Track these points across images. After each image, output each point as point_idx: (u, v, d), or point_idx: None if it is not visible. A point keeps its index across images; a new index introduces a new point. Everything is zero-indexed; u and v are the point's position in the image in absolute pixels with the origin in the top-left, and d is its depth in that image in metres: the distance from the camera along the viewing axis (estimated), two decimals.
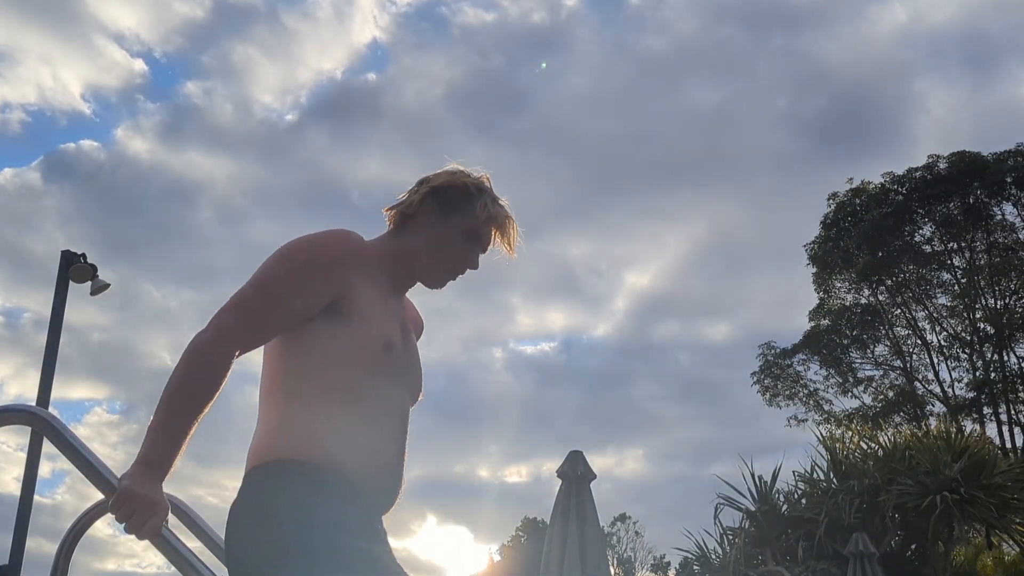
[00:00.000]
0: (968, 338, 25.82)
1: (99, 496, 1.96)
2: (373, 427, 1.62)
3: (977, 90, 36.66)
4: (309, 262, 1.61)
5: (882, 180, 26.31)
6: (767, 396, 27.07)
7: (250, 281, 1.60)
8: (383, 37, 38.49)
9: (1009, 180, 24.74)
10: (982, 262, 25.68)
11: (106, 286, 9.88)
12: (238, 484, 1.65)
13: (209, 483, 34.08)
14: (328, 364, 1.60)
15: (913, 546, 12.59)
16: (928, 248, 26.05)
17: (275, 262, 1.61)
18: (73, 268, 9.54)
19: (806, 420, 26.68)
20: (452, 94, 36.43)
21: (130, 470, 1.51)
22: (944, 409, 24.85)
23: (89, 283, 9.82)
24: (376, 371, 1.63)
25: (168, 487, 1.56)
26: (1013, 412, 24.60)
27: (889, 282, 26.25)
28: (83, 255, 9.64)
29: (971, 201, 25.10)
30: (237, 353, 1.58)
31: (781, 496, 13.17)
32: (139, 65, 35.97)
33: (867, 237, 25.33)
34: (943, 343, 26.33)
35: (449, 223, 1.75)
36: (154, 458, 1.50)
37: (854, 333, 26.80)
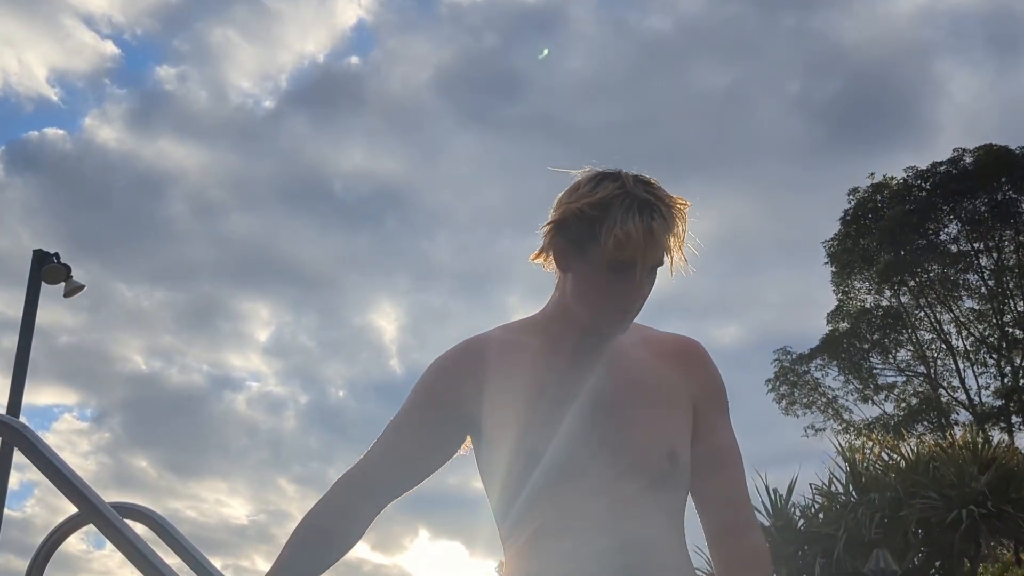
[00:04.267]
0: (996, 343, 25.83)
1: (72, 509, 1.97)
2: (550, 543, 1.47)
3: (1002, 74, 36.76)
4: (418, 389, 1.58)
5: (905, 175, 26.37)
6: (783, 404, 27.10)
7: None
8: (368, 18, 38.53)
9: None
10: (1011, 262, 25.69)
11: (80, 287, 9.90)
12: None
13: (187, 495, 34.14)
14: (490, 491, 1.56)
15: (937, 563, 12.59)
16: (954, 247, 26.08)
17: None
18: (46, 268, 9.56)
19: (824, 429, 26.72)
20: (440, 78, 36.39)
21: None
22: (970, 418, 24.86)
23: (62, 284, 9.83)
24: (532, 485, 1.49)
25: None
26: None
27: (912, 283, 26.27)
28: (56, 254, 9.66)
29: (999, 198, 25.12)
30: (362, 488, 1.55)
31: (797, 510, 13.18)
32: (110, 48, 36.02)
33: (889, 235, 25.35)
34: (969, 348, 26.35)
35: (587, 259, 1.46)
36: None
37: (875, 337, 26.82)
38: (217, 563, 2.20)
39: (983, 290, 26.10)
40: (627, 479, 1.47)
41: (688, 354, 1.60)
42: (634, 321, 1.54)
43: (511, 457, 1.49)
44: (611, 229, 1.41)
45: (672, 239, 1.45)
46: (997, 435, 22.54)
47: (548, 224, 1.50)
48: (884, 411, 26.73)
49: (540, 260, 1.53)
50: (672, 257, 1.47)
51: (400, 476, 1.56)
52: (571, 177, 1.50)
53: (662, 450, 1.49)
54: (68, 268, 9.78)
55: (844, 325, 27.22)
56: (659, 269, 1.49)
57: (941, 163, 25.80)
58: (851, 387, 27.02)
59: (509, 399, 1.51)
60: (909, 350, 27.04)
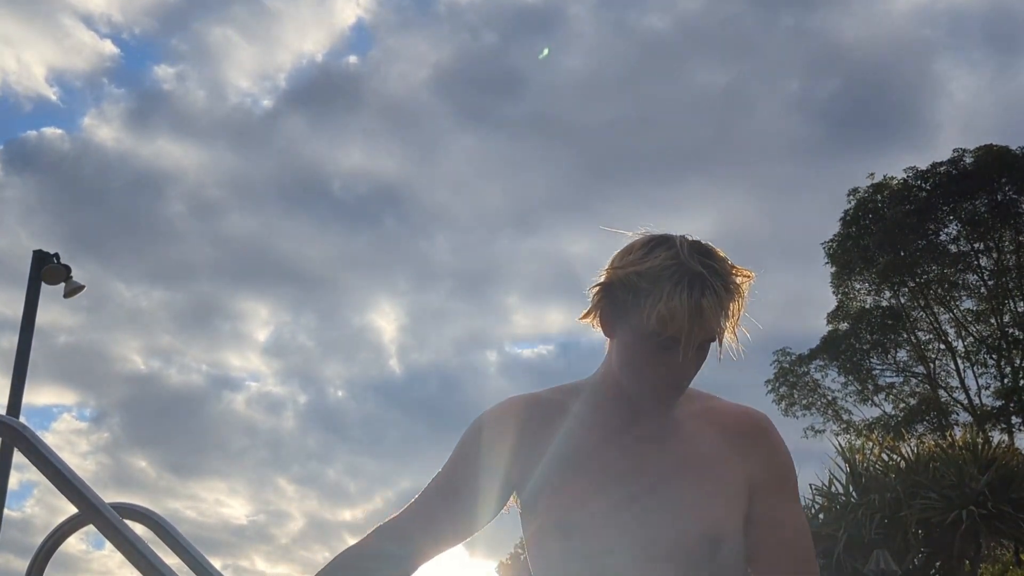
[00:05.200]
0: (995, 343, 25.84)
1: (72, 509, 1.96)
2: None
3: (1002, 73, 36.81)
4: (461, 443, 1.53)
5: (905, 175, 26.38)
6: (782, 405, 27.11)
7: None
8: (366, 17, 38.58)
9: None
10: (1010, 263, 25.70)
11: (80, 288, 9.90)
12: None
13: (186, 495, 34.18)
14: (527, 552, 1.50)
15: (937, 564, 12.59)
16: (953, 248, 26.09)
17: None
18: (46, 268, 9.56)
19: (824, 430, 26.73)
20: (439, 77, 36.47)
21: None
22: (970, 418, 24.87)
23: (62, 284, 9.83)
24: (567, 559, 1.42)
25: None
26: None
27: (912, 284, 26.28)
28: (56, 255, 9.66)
29: (999, 198, 25.13)
30: (402, 534, 1.51)
31: None
32: (108, 47, 36.06)
33: (889, 236, 25.36)
34: (969, 348, 26.36)
35: (632, 329, 1.37)
36: None
37: (874, 337, 26.83)
38: (217, 563, 2.20)
39: (983, 290, 26.11)
40: (662, 562, 1.37)
41: (750, 430, 1.48)
42: (698, 390, 1.48)
43: (545, 527, 1.44)
44: (655, 303, 1.32)
45: (724, 318, 1.35)
46: (997, 435, 22.57)
47: (596, 286, 1.43)
48: (884, 411, 26.76)
49: (588, 320, 1.45)
50: (723, 335, 1.36)
51: (441, 528, 1.51)
52: (626, 238, 1.43)
53: (702, 534, 1.38)
54: (68, 268, 9.79)
55: (844, 326, 27.23)
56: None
57: (941, 163, 25.82)
58: (851, 388, 27.04)
59: (549, 465, 1.45)
60: (908, 350, 27.06)
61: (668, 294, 1.31)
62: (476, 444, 1.51)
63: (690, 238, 1.38)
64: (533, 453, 1.46)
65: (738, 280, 1.37)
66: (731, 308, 1.36)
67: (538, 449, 1.46)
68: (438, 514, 1.51)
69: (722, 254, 1.38)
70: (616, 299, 1.39)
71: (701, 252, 1.36)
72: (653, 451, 1.43)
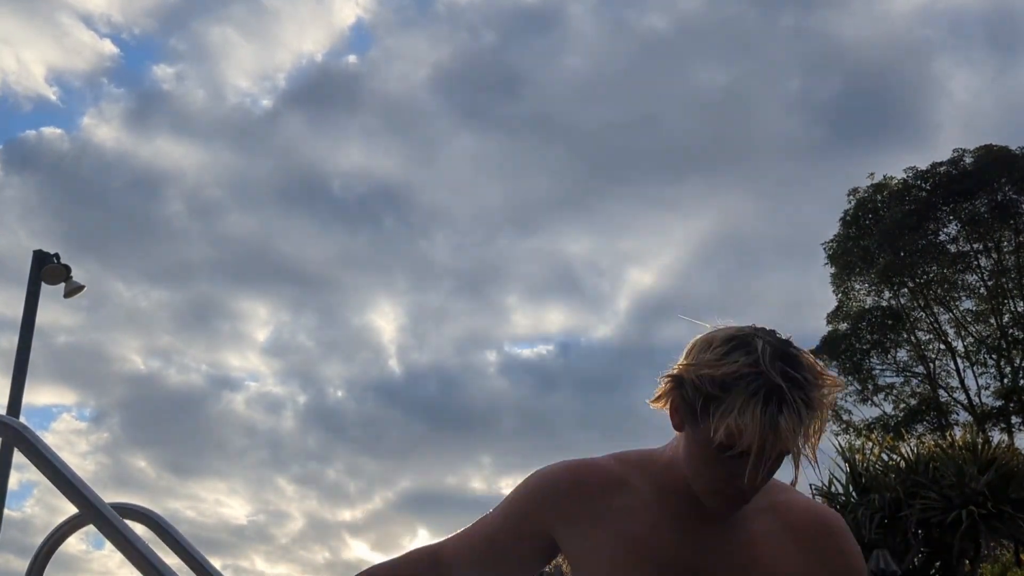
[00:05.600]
0: (995, 343, 25.85)
1: (72, 509, 1.96)
2: None
3: (1002, 73, 36.80)
4: (513, 498, 1.50)
5: (905, 176, 26.39)
6: None
7: None
8: (366, 17, 38.62)
9: None
10: (1010, 263, 25.71)
11: (80, 288, 9.90)
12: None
13: (186, 495, 34.12)
14: None
15: (937, 564, 12.60)
16: (953, 248, 26.09)
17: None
18: (46, 269, 9.57)
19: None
20: (438, 77, 36.46)
21: None
22: (970, 418, 24.87)
23: (62, 284, 9.83)
24: None
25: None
26: None
27: (911, 284, 26.29)
28: (56, 255, 9.66)
29: (999, 198, 25.13)
30: (436, 564, 1.52)
31: None
32: (108, 47, 36.07)
33: (888, 236, 25.37)
34: (969, 348, 26.37)
35: (699, 431, 1.26)
36: None
37: (874, 337, 26.84)
38: (216, 563, 2.20)
39: (982, 290, 26.12)
40: None
41: (820, 535, 1.37)
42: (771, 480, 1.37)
43: None
44: (725, 416, 1.20)
45: (802, 437, 1.22)
46: (997, 435, 22.58)
47: (667, 376, 1.32)
48: (883, 411, 26.78)
49: (658, 406, 1.35)
50: (799, 453, 1.23)
51: (477, 569, 1.51)
52: (704, 329, 1.32)
53: None
54: (68, 268, 9.79)
55: (844, 326, 27.24)
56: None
57: (941, 163, 25.83)
58: (851, 388, 27.03)
59: (601, 545, 1.38)
60: (908, 350, 27.07)
61: (741, 407, 1.20)
62: (525, 500, 1.48)
63: (777, 337, 1.27)
64: (584, 522, 1.41)
65: (824, 391, 1.24)
66: (812, 426, 1.23)
67: (590, 519, 1.40)
68: (478, 555, 1.50)
69: (811, 360, 1.25)
70: (686, 397, 1.28)
71: (785, 359, 1.23)
72: (716, 552, 1.35)
